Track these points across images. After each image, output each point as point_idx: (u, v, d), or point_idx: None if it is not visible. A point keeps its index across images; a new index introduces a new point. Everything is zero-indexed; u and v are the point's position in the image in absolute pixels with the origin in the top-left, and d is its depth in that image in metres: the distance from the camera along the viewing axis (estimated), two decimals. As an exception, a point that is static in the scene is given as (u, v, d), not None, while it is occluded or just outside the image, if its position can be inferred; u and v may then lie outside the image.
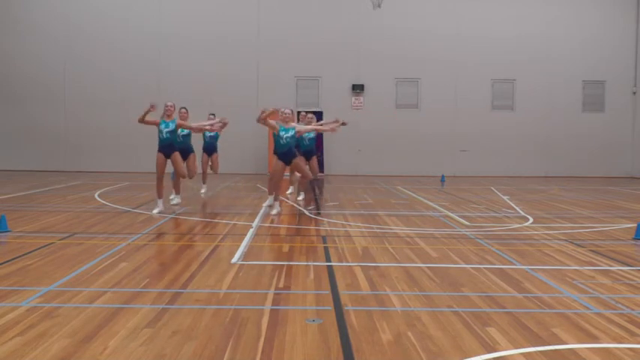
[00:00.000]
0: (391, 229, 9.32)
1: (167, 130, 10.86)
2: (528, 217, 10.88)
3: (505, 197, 14.37)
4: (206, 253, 7.17)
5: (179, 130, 11.47)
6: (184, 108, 11.81)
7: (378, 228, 9.39)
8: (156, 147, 11.00)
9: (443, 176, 20.29)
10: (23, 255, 6.87)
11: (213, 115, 14.33)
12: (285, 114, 10.94)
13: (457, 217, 10.56)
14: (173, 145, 10.97)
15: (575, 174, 22.56)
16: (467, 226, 9.60)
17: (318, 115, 21.29)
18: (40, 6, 21.89)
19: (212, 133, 13.83)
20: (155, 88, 21.78)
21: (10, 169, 21.01)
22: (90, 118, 21.81)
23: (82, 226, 9.11)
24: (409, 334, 4.36)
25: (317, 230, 9.08)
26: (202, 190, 13.72)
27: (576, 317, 4.80)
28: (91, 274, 6.03)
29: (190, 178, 12.68)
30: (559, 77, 22.67)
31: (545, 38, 22.55)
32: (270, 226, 9.47)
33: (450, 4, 22.39)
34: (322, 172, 21.41)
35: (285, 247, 7.67)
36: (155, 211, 10.61)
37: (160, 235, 8.54)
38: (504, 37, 22.37)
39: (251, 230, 8.83)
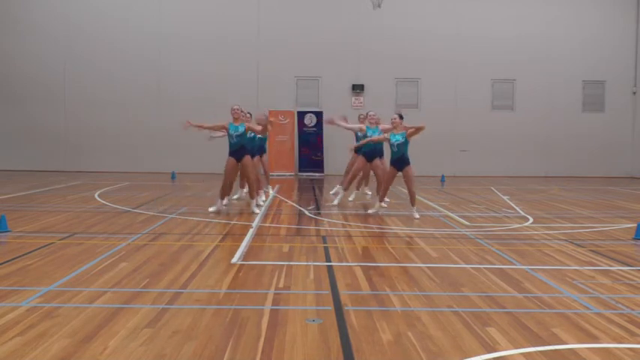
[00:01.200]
0: (391, 229, 9.32)
1: (236, 133, 10.63)
2: (528, 217, 10.88)
3: (505, 197, 14.37)
4: (206, 253, 7.17)
5: (248, 133, 11.31)
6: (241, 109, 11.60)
7: (378, 228, 9.39)
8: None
9: (443, 176, 20.29)
10: (23, 255, 6.87)
11: (250, 114, 13.90)
12: (394, 119, 10.60)
13: (457, 217, 10.56)
14: (244, 149, 10.74)
15: (575, 174, 22.55)
16: (467, 226, 9.60)
17: (319, 115, 21.35)
18: (40, 6, 21.89)
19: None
20: (155, 88, 21.80)
21: (10, 169, 21.00)
22: (90, 118, 21.79)
23: (82, 226, 9.11)
24: (409, 334, 4.36)
25: (317, 230, 9.09)
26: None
27: (576, 317, 4.80)
28: (91, 274, 6.03)
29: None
30: (559, 77, 22.65)
31: (545, 38, 22.54)
32: (270, 226, 9.48)
33: (450, 4, 22.38)
34: (322, 172, 21.42)
35: (285, 247, 7.67)
36: (212, 209, 10.75)
37: (159, 235, 8.54)
38: (504, 37, 22.35)
39: (251, 230, 8.83)
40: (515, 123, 22.51)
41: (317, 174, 21.32)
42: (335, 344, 4.13)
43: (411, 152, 10.88)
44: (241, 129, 10.67)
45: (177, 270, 6.29)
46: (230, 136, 10.69)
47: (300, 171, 21.76)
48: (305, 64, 22.07)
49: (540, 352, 4.02)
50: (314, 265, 6.60)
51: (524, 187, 17.58)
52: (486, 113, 22.60)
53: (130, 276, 5.97)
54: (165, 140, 21.28)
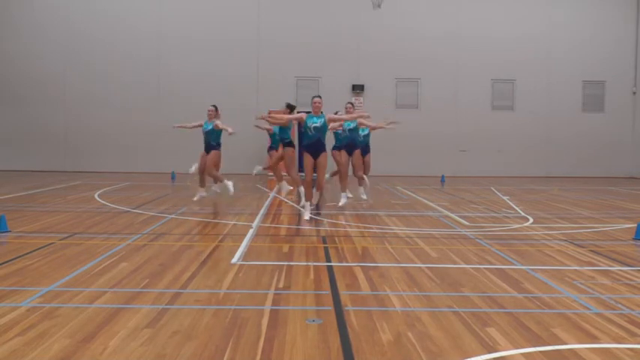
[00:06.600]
0: (391, 229, 9.32)
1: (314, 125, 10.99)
2: (528, 217, 10.88)
3: (505, 197, 14.37)
4: (206, 253, 7.17)
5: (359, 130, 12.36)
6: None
7: (378, 228, 9.38)
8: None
9: (443, 176, 20.28)
10: (23, 255, 6.87)
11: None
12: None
13: (457, 217, 10.56)
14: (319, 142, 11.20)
15: (575, 174, 22.56)
16: (467, 226, 9.60)
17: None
18: (40, 6, 21.90)
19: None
20: (155, 88, 21.81)
21: (10, 169, 21.00)
22: (90, 118, 21.81)
23: (82, 226, 9.11)
24: (409, 334, 4.36)
25: (317, 230, 9.08)
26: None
27: (576, 317, 4.80)
28: (91, 274, 6.03)
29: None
30: (559, 77, 22.67)
31: (545, 38, 22.55)
32: (270, 226, 9.48)
33: (450, 4, 22.39)
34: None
35: (285, 248, 7.67)
36: (307, 217, 10.15)
37: (160, 235, 8.53)
38: (504, 37, 22.36)
39: (251, 230, 8.83)
40: (515, 123, 22.52)
41: (317, 174, 21.29)
42: (335, 344, 4.13)
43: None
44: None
45: (177, 270, 6.29)
46: (309, 128, 10.95)
47: (300, 171, 21.73)
48: (305, 64, 22.07)
49: (540, 352, 4.02)
50: (314, 266, 6.60)
51: (524, 187, 17.57)
52: (486, 113, 22.61)
53: (130, 276, 5.97)
54: (165, 140, 21.26)
